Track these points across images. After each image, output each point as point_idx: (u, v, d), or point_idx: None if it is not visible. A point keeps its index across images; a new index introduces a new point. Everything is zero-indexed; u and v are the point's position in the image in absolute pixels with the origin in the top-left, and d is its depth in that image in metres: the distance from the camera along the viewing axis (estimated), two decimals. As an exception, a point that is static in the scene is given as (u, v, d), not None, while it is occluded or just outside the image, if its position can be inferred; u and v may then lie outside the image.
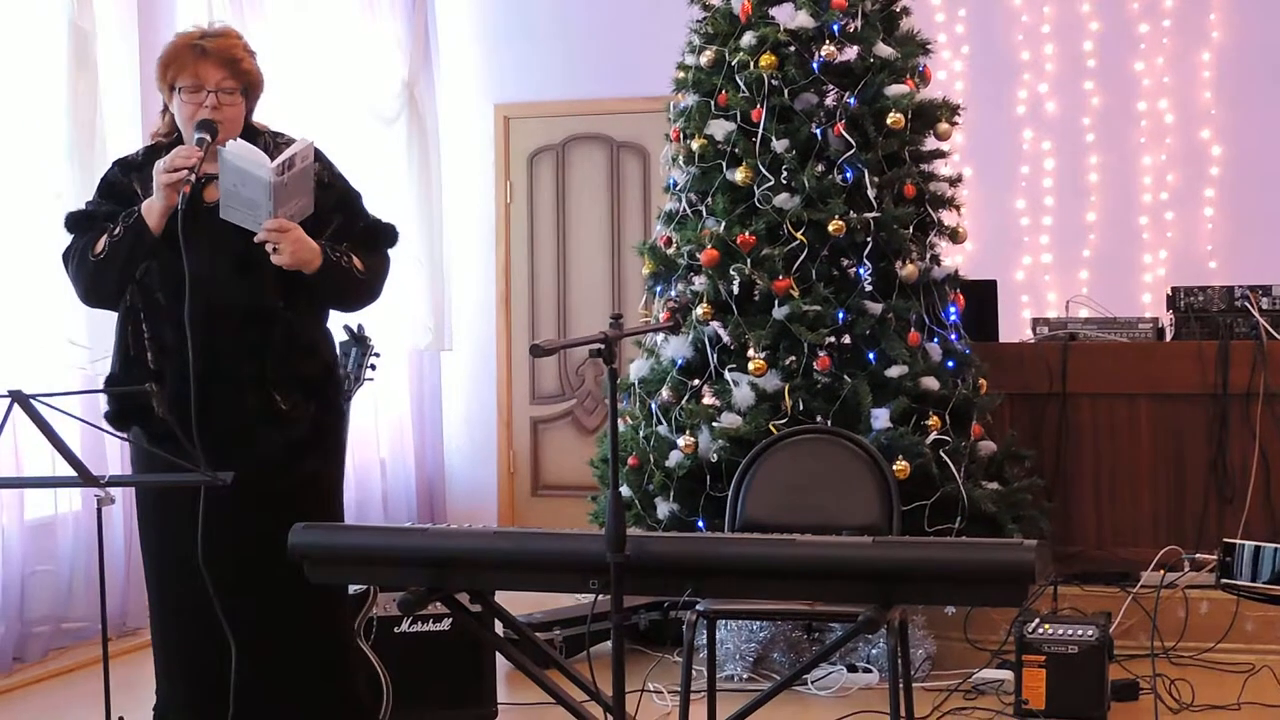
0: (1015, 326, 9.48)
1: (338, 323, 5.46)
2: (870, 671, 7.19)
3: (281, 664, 5.13)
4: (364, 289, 5.26)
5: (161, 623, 5.22)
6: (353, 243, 5.21)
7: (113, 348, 5.18)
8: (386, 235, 5.38)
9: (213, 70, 5.01)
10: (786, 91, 7.48)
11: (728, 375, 7.39)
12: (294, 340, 5.12)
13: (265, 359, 5.05)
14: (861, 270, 7.40)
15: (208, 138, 4.93)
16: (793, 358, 7.30)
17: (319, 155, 5.21)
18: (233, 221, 4.94)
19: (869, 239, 7.35)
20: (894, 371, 7.28)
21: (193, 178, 4.87)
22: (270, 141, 5.18)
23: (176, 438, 4.79)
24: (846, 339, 7.44)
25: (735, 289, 7.39)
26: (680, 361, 7.61)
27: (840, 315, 7.32)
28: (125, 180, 5.16)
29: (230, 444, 4.97)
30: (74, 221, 5.19)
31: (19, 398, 4.63)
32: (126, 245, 4.99)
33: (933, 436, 7.21)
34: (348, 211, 5.26)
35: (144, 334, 5.05)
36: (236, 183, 4.88)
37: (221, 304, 5.00)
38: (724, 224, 7.46)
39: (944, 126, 7.70)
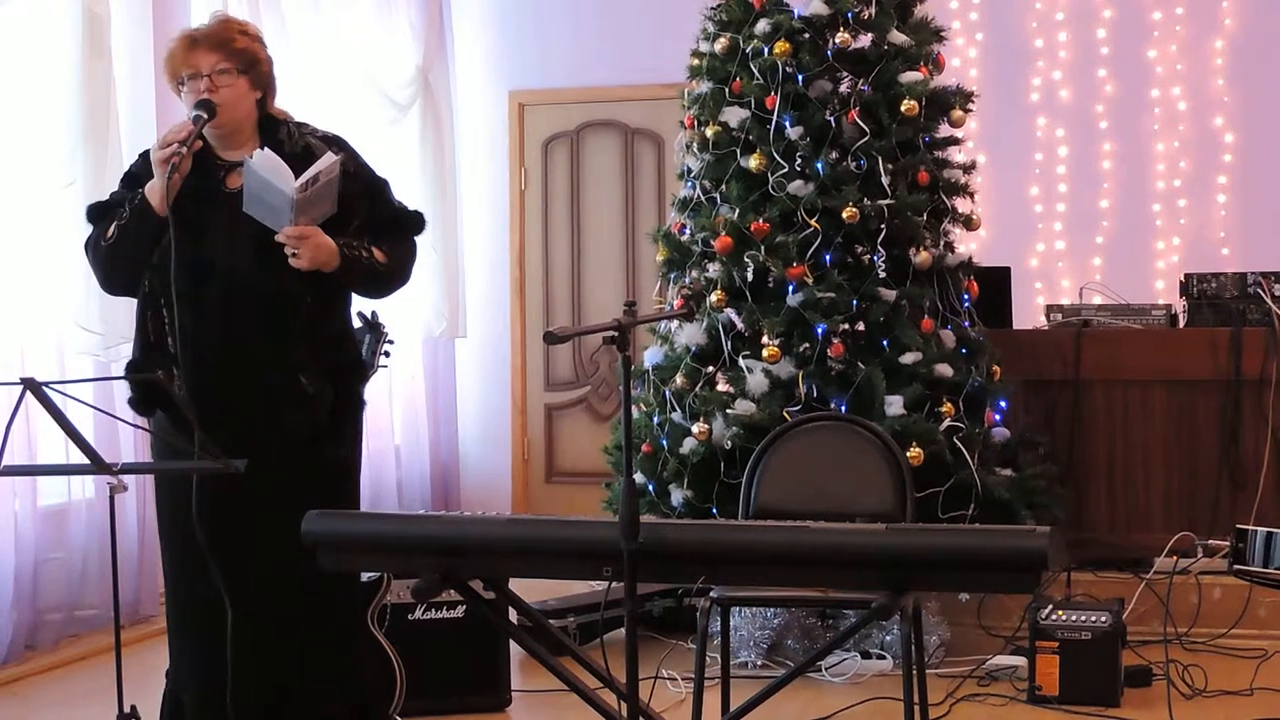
0: (1029, 313, 9.47)
1: (352, 309, 5.48)
2: (884, 658, 7.20)
3: (294, 650, 5.14)
4: (388, 279, 5.32)
5: (176, 608, 5.23)
6: (378, 232, 5.25)
7: (134, 334, 5.21)
8: (412, 222, 5.46)
9: (205, 56, 5.05)
10: (800, 78, 7.47)
11: (742, 362, 7.39)
12: (318, 324, 5.15)
13: (287, 342, 5.07)
14: (875, 257, 7.39)
15: (204, 115, 4.99)
16: (806, 344, 7.30)
17: (345, 145, 5.28)
18: (254, 216, 4.98)
19: (883, 226, 7.34)
20: (908, 358, 7.28)
21: (184, 151, 4.91)
22: (294, 132, 5.22)
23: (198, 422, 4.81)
24: (860, 326, 7.44)
25: (749, 276, 7.39)
26: (694, 348, 7.61)
27: (854, 302, 7.32)
28: (145, 170, 5.18)
29: (255, 426, 5.02)
30: (94, 212, 5.23)
31: (31, 385, 4.63)
32: (133, 228, 5.04)
33: (946, 423, 7.21)
34: (373, 201, 5.31)
35: (163, 319, 5.08)
36: (260, 190, 4.93)
37: (242, 288, 5.03)
38: (738, 211, 7.46)
39: (958, 113, 7.68)
